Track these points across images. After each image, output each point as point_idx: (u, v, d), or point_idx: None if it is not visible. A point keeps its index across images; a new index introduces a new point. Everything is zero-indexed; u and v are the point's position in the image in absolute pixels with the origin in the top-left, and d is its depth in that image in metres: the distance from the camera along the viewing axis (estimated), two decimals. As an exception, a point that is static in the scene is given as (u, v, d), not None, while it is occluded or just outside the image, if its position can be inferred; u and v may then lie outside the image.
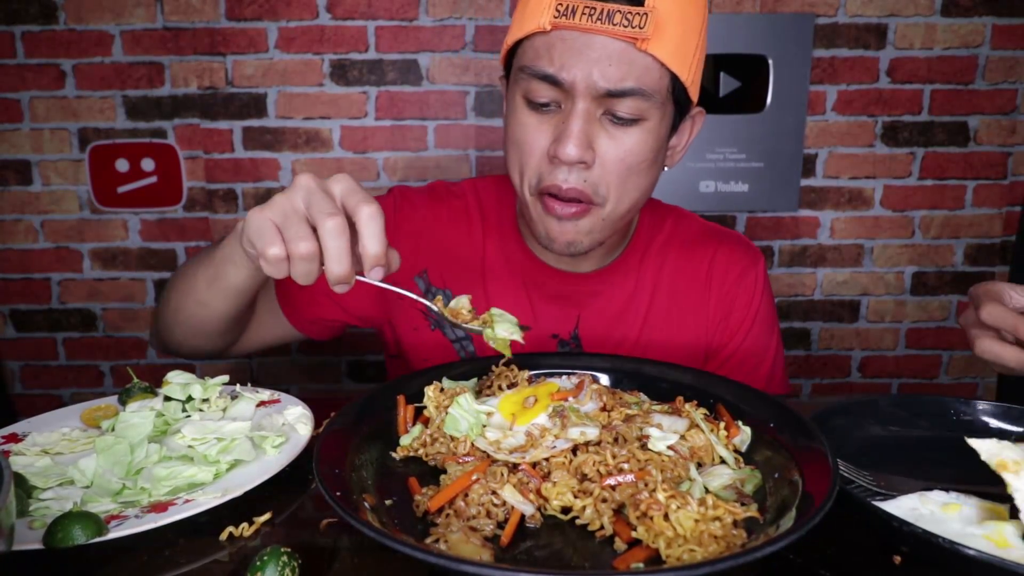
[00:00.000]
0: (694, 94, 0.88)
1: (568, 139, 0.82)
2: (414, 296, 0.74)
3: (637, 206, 0.92)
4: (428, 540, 0.54)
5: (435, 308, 0.75)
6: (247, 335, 1.03)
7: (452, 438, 0.68)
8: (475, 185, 1.10)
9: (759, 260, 1.09)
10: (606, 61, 0.80)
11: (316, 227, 0.64)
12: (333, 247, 0.63)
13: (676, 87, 0.85)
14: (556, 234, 0.90)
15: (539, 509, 0.59)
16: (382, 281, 0.68)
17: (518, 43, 0.87)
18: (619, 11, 0.77)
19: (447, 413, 0.70)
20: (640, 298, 1.05)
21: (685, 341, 1.06)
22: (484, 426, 0.69)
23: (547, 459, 0.63)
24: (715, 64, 2.04)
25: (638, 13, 0.77)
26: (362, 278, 0.67)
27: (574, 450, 0.64)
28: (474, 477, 0.60)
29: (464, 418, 0.69)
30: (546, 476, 0.61)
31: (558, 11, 0.79)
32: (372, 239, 0.64)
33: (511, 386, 0.79)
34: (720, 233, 1.11)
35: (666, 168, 0.95)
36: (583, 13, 0.78)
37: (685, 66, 0.84)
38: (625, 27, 0.78)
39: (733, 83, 2.05)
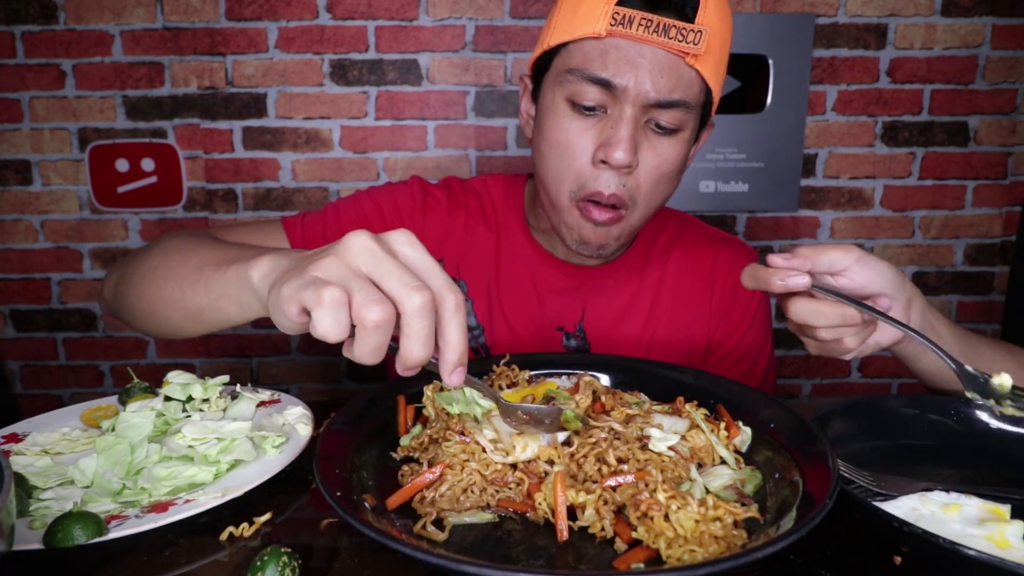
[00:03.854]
0: (715, 107, 0.92)
1: (619, 144, 0.83)
2: (485, 389, 0.63)
3: (658, 210, 0.95)
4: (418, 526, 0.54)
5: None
6: None
7: (448, 414, 0.70)
8: (485, 182, 1.12)
9: (752, 253, 1.13)
10: (658, 72, 0.81)
11: (397, 301, 0.50)
12: (420, 327, 0.50)
13: (708, 101, 0.89)
14: (590, 238, 0.92)
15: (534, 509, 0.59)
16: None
17: (562, 45, 0.87)
18: (674, 26, 0.79)
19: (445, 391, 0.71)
20: (644, 295, 1.07)
21: (687, 338, 1.08)
22: (479, 418, 0.70)
23: (549, 462, 0.63)
24: (715, 64, 2.04)
25: (693, 30, 0.80)
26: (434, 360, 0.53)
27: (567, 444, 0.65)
28: (435, 472, 0.61)
29: (460, 401, 0.70)
30: (543, 478, 0.61)
31: (615, 19, 0.80)
32: (458, 332, 0.52)
33: (511, 385, 0.79)
34: (721, 237, 1.14)
35: None
36: (640, 24, 0.79)
37: (719, 83, 0.88)
38: (679, 42, 0.80)
39: (733, 83, 2.05)
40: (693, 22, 0.80)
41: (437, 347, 0.52)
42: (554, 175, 0.90)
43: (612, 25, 0.80)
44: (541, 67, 0.92)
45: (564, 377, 0.80)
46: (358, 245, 0.52)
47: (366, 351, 0.50)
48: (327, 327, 0.48)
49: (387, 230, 1.10)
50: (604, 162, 0.85)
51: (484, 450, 0.64)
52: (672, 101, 0.83)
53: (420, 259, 0.53)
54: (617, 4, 0.80)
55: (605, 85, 0.83)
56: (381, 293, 0.50)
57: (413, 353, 0.50)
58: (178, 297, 0.77)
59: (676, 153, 0.88)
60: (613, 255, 1.06)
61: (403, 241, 0.53)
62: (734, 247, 1.12)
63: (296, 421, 0.78)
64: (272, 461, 0.69)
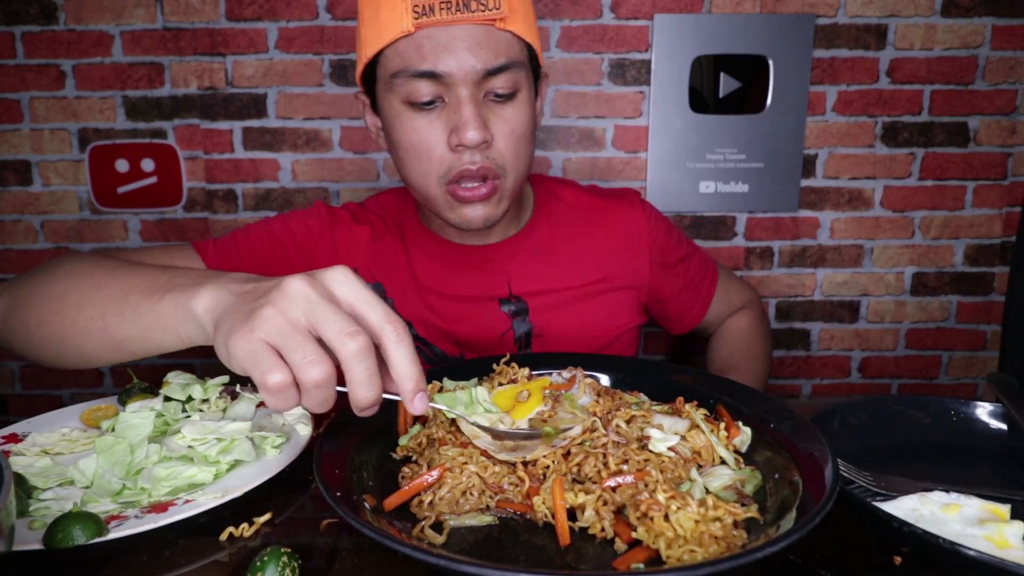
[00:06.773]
0: (542, 59, 0.95)
1: (468, 125, 0.85)
2: (451, 412, 0.68)
3: (528, 171, 0.98)
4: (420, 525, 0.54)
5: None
6: None
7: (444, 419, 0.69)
8: (378, 200, 1.15)
9: (635, 199, 1.15)
10: (476, 47, 0.84)
11: (334, 348, 0.53)
12: (360, 371, 0.52)
13: (531, 55, 0.92)
14: (471, 216, 0.93)
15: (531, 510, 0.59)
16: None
17: (378, 53, 0.88)
18: None
19: (452, 392, 0.70)
20: (557, 243, 1.10)
21: (619, 271, 1.11)
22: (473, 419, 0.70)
23: (547, 466, 0.63)
24: (715, 64, 2.04)
25: None
26: (389, 396, 0.56)
27: (566, 453, 0.64)
28: (433, 475, 0.61)
29: (463, 403, 0.70)
30: (542, 479, 0.61)
31: (417, 12, 0.81)
32: (406, 361, 0.54)
33: (511, 383, 0.79)
34: (605, 193, 1.16)
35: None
36: (441, 8, 0.81)
37: (534, 35, 0.91)
38: (483, 11, 0.82)
39: (733, 83, 2.05)
40: None
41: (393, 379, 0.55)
42: (419, 173, 0.92)
43: (416, 18, 0.82)
44: (369, 80, 0.93)
45: (556, 373, 0.80)
46: (295, 291, 0.53)
47: (314, 404, 0.54)
48: (276, 405, 0.53)
49: (300, 249, 1.09)
50: (461, 145, 0.87)
51: (485, 454, 0.64)
52: (500, 66, 0.85)
53: (357, 294, 0.55)
54: None
55: (432, 76, 0.84)
56: (318, 349, 0.52)
57: (360, 395, 0.53)
58: (98, 326, 0.71)
59: (523, 114, 0.90)
60: (512, 230, 1.08)
61: (339, 279, 0.55)
62: (616, 201, 1.13)
63: (296, 421, 0.78)
64: (272, 461, 0.69)
